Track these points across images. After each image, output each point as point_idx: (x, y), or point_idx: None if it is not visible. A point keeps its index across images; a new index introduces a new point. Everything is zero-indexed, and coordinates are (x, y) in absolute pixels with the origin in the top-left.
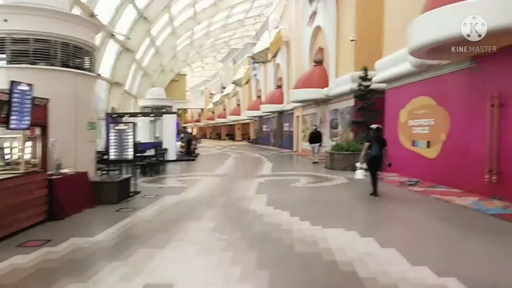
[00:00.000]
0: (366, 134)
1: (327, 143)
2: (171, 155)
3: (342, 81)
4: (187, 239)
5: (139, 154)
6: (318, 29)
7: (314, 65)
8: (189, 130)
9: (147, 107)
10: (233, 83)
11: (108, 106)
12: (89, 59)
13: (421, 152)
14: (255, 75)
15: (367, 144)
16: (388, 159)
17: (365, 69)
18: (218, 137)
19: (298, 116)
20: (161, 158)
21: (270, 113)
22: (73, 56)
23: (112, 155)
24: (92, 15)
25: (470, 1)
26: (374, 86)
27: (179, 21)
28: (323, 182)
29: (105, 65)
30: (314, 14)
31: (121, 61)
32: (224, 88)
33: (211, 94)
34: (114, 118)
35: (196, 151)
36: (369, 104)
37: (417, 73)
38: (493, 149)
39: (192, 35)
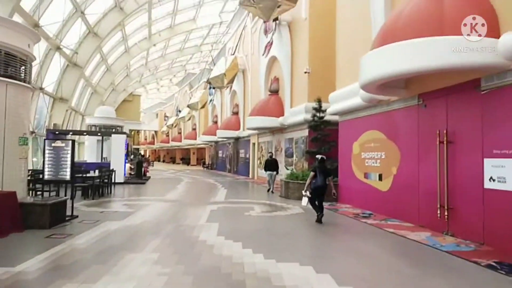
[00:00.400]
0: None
1: (283, 172)
2: (119, 177)
3: (296, 111)
4: (124, 273)
5: (82, 175)
6: (273, 58)
7: (270, 94)
8: (142, 152)
9: (94, 125)
10: (188, 106)
11: (50, 122)
12: (24, 68)
13: (373, 184)
14: (211, 100)
15: (312, 173)
16: (332, 188)
17: (319, 101)
18: (173, 160)
19: (254, 143)
20: (106, 180)
21: (226, 139)
22: (4, 63)
23: (47, 174)
24: (36, 25)
25: (416, 40)
26: (328, 117)
27: (133, 41)
28: (278, 211)
29: (49, 79)
30: (269, 44)
31: (68, 76)
32: (179, 111)
33: (166, 116)
34: (56, 135)
35: (148, 174)
36: (323, 135)
37: (368, 107)
38: (443, 185)
39: (147, 55)
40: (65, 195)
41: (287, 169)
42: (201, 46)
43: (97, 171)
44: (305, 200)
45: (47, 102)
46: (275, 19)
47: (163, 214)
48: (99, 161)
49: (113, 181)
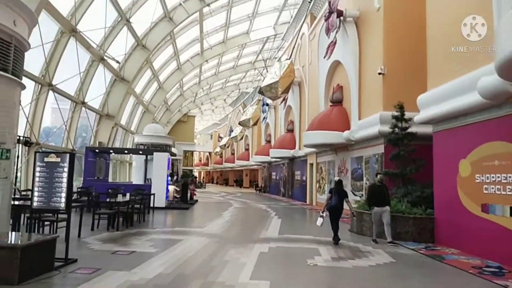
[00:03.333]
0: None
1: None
2: (160, 201)
3: (367, 123)
4: None
5: (109, 200)
6: (336, 63)
7: (332, 105)
8: (196, 173)
9: (142, 144)
10: (239, 124)
11: (96, 140)
12: (8, 56)
13: (500, 222)
14: (264, 118)
15: (329, 195)
16: (351, 208)
17: (401, 107)
18: (226, 182)
19: (312, 164)
20: (138, 206)
21: (280, 159)
22: None
23: (36, 201)
24: (74, 31)
25: None
26: (413, 129)
27: (185, 57)
28: (355, 258)
29: (94, 93)
30: (332, 44)
31: (114, 91)
32: (232, 131)
33: (220, 137)
34: (96, 153)
35: (195, 198)
36: (407, 151)
37: (488, 108)
38: None
39: (200, 73)
40: (80, 226)
41: (355, 195)
42: (254, 63)
43: (128, 194)
44: (319, 221)
45: (93, 119)
46: (339, 15)
47: (193, 259)
48: (143, 182)
49: (151, 206)
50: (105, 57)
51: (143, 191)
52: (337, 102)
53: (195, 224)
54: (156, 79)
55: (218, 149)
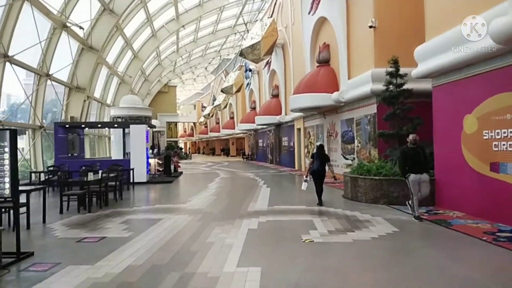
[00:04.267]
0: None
1: (339, 162)
2: (141, 176)
3: (358, 82)
4: None
5: (81, 179)
6: (322, 20)
7: (319, 66)
8: (181, 145)
9: (119, 117)
10: (222, 91)
11: (67, 114)
12: None
13: None
14: (248, 84)
15: (311, 159)
16: (333, 172)
17: (396, 61)
18: (212, 152)
19: (299, 129)
20: (114, 183)
21: (266, 126)
22: None
23: None
24: None
25: None
26: (408, 85)
27: (159, 22)
28: (354, 229)
29: (60, 64)
30: None
31: (83, 61)
32: (215, 99)
33: (203, 107)
34: (66, 128)
35: (179, 170)
36: (403, 109)
37: (498, 55)
38: None
39: (177, 40)
40: (44, 210)
41: (346, 158)
42: (234, 27)
43: (100, 172)
44: (304, 185)
45: (62, 92)
46: None
47: (171, 244)
48: (121, 157)
49: (131, 181)
50: (68, 24)
51: (119, 167)
52: (324, 62)
53: (178, 199)
54: (129, 47)
55: (202, 119)
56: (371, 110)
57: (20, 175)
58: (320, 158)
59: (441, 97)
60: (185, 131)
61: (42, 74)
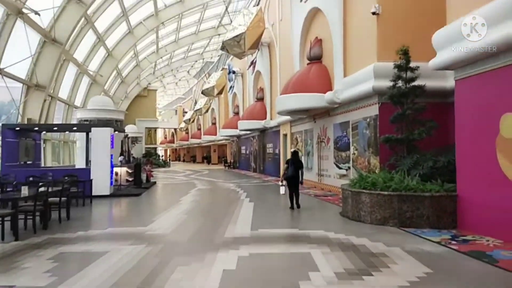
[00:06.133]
0: (415, 159)
1: (331, 172)
2: (102, 188)
3: (356, 79)
4: None
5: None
6: (314, 12)
7: (309, 63)
8: (161, 152)
9: (86, 120)
10: (203, 93)
11: (24, 116)
12: None
13: None
14: (231, 87)
15: (285, 165)
16: (302, 178)
17: (406, 52)
18: (193, 159)
19: (285, 135)
20: (59, 198)
21: (249, 132)
22: None
23: None
24: None
25: None
26: (419, 81)
27: (136, 18)
28: (372, 271)
29: (16, 58)
30: None
31: (44, 55)
32: (196, 104)
33: (184, 112)
34: (18, 132)
35: (152, 179)
36: (415, 109)
37: None
38: None
39: (157, 39)
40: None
41: (340, 167)
42: (218, 28)
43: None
44: (282, 189)
45: (19, 91)
46: None
47: None
48: (83, 166)
49: (90, 194)
50: (24, 11)
51: (74, 177)
52: (316, 58)
53: (139, 219)
54: (102, 44)
55: (183, 125)
56: (372, 112)
57: None
58: (295, 164)
59: (468, 92)
60: (165, 138)
61: None
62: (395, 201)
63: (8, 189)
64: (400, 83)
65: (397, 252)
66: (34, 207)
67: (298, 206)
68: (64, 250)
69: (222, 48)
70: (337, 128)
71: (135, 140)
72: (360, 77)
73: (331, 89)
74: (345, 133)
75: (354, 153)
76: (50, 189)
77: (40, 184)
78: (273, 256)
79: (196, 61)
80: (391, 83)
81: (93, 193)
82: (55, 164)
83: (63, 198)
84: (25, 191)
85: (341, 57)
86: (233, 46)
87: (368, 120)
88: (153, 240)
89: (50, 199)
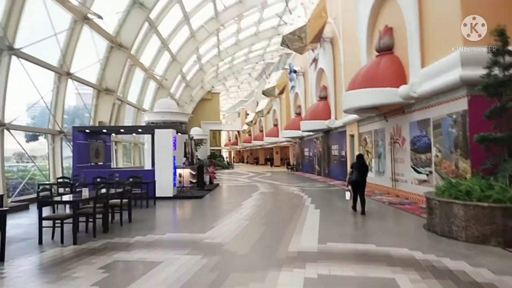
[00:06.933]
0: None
1: (407, 176)
2: (165, 190)
3: (438, 69)
4: None
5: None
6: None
7: (379, 55)
8: (225, 154)
9: (152, 122)
10: (264, 93)
11: (95, 119)
12: None
13: None
14: (292, 87)
15: (350, 170)
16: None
17: (502, 33)
18: (256, 161)
19: (352, 135)
20: (122, 200)
21: (312, 133)
22: None
23: None
24: None
25: None
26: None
27: (197, 21)
28: None
29: (86, 64)
30: None
31: (111, 61)
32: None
33: (247, 114)
34: (89, 134)
35: (215, 181)
36: None
37: None
38: None
39: (218, 42)
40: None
41: (419, 172)
42: (278, 27)
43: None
44: (347, 195)
45: (90, 95)
46: None
47: None
48: (151, 167)
49: (154, 195)
50: (89, 16)
51: (138, 178)
52: (386, 49)
53: (199, 224)
54: (166, 48)
55: (245, 127)
56: (459, 107)
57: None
58: (360, 168)
59: None
60: (229, 140)
61: (61, 73)
62: (498, 215)
63: (77, 190)
64: (496, 71)
65: (507, 281)
66: (94, 210)
67: (363, 213)
68: (119, 258)
69: (282, 43)
70: (414, 127)
71: (199, 142)
72: (443, 66)
73: (405, 83)
74: (424, 133)
75: (436, 156)
76: (112, 191)
77: (101, 185)
78: (347, 281)
79: (257, 63)
80: (483, 71)
81: (157, 195)
82: (127, 165)
83: (124, 200)
84: (85, 193)
85: (417, 45)
86: (294, 41)
87: (454, 116)
88: (211, 250)
89: (112, 201)
